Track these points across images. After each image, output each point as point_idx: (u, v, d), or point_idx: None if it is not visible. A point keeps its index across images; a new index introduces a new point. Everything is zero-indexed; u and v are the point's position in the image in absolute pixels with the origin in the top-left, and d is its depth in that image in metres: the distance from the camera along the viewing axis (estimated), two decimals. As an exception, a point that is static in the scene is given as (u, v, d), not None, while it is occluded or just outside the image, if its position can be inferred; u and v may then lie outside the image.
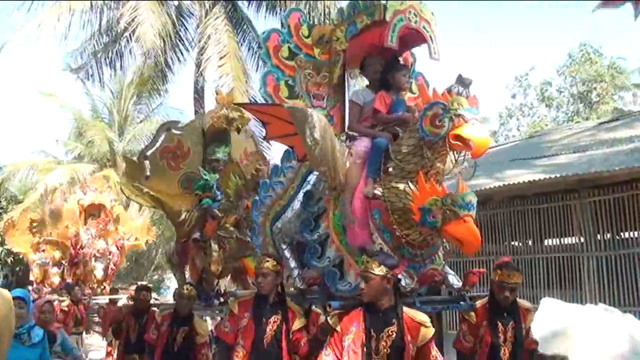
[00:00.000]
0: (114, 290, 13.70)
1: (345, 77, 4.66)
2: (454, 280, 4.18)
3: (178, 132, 6.97)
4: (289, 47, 4.55)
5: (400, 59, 4.67)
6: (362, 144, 4.20)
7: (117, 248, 13.81)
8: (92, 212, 14.04)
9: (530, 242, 11.88)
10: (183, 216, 6.94)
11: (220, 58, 13.54)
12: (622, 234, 10.97)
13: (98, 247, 13.19)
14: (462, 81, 3.90)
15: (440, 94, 3.88)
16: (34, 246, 14.24)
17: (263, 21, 15.68)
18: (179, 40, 15.46)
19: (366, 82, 4.68)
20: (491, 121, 31.17)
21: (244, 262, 6.56)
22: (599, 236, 10.78)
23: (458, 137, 3.70)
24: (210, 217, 6.49)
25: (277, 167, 5.11)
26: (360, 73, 4.72)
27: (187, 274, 7.45)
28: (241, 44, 14.79)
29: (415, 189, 3.82)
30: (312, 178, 4.69)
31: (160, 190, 6.94)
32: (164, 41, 13.87)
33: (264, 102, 4.63)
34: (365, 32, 4.35)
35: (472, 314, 4.23)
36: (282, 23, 4.65)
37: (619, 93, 27.85)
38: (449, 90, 3.88)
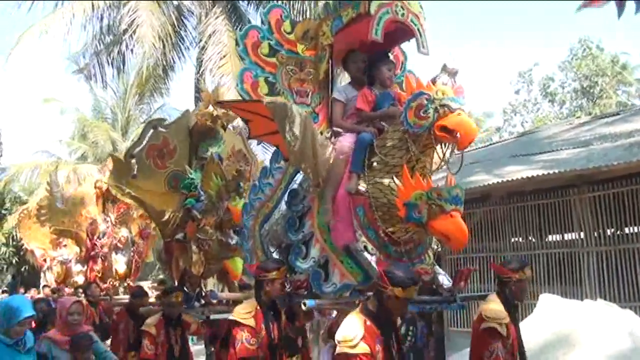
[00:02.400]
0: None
1: (332, 73, 4.46)
2: (444, 279, 3.98)
3: (164, 130, 6.78)
4: (269, 44, 4.34)
5: (391, 55, 4.48)
6: (347, 140, 4.02)
7: (142, 238, 11.08)
8: (112, 196, 10.92)
9: (530, 238, 11.72)
10: (167, 216, 6.75)
11: (221, 58, 13.38)
12: (622, 229, 10.79)
13: (120, 237, 10.60)
14: (447, 71, 3.71)
15: (424, 85, 3.69)
16: (53, 242, 12.43)
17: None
18: (180, 40, 15.30)
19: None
20: (495, 117, 30.91)
21: (226, 264, 6.37)
22: (599, 231, 10.63)
23: (444, 129, 3.51)
24: (190, 218, 6.32)
25: (266, 168, 4.88)
26: (342, 69, 4.53)
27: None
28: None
29: (400, 184, 3.63)
30: (299, 177, 4.51)
31: (147, 189, 6.74)
32: (164, 42, 13.74)
33: (242, 105, 4.43)
34: (351, 27, 4.16)
35: (504, 327, 3.89)
36: (262, 20, 4.45)
37: (623, 88, 27.53)
38: (434, 81, 3.69)
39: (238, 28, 14.92)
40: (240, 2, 15.69)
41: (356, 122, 4.20)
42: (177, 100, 64.50)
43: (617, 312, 7.97)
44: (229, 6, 14.80)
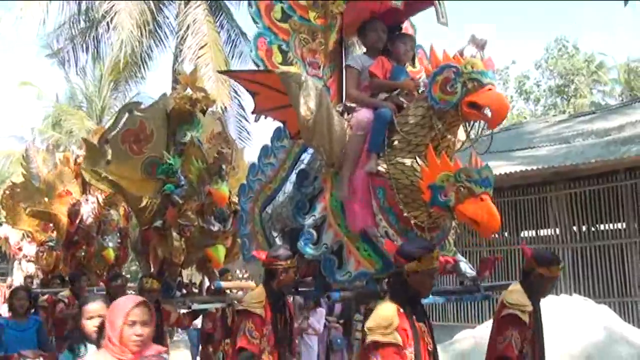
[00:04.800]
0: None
1: (342, 43, 3.99)
2: (467, 268, 3.56)
3: (141, 114, 6.17)
4: (282, 8, 3.83)
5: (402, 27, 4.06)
6: (365, 115, 3.55)
7: (128, 221, 9.35)
8: None
9: (506, 234, 11.55)
10: (144, 202, 6.22)
11: (200, 48, 12.85)
12: (597, 225, 10.70)
13: (109, 220, 8.96)
14: (475, 42, 3.28)
15: (451, 57, 3.24)
16: (41, 224, 10.78)
17: (244, 11, 15.05)
18: (158, 28, 14.70)
19: (364, 50, 4.03)
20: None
21: (208, 251, 5.84)
22: (574, 228, 10.54)
23: (473, 105, 3.08)
24: (170, 204, 5.80)
25: (267, 147, 4.43)
26: (358, 39, 4.06)
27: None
28: (219, 33, 14.10)
29: (424, 164, 3.19)
30: (306, 157, 4.03)
31: (122, 176, 6.14)
32: (142, 30, 13.11)
33: (250, 75, 3.93)
34: None
35: (527, 315, 3.49)
36: (272, -18, 3.94)
37: (598, 87, 27.70)
38: (461, 53, 3.24)
39: (218, 18, 14.43)
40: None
41: (371, 94, 3.74)
42: (153, 89, 62.98)
43: (592, 307, 7.86)
44: (209, -5, 14.26)
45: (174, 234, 5.76)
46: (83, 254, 8.96)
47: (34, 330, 5.28)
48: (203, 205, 5.74)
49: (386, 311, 2.76)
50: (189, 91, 6.21)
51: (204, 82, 6.43)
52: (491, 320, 7.61)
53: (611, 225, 10.46)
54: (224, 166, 5.69)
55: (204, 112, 6.37)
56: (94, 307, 3.16)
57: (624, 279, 9.76)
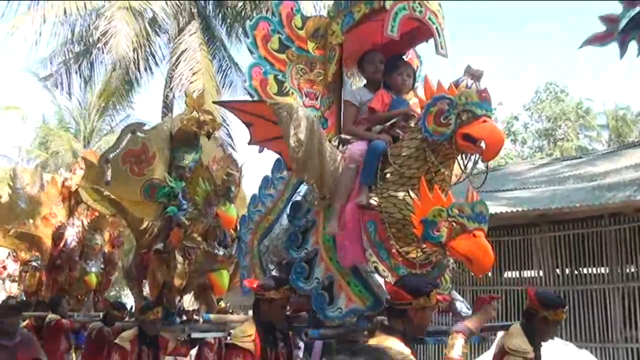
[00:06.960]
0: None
1: (342, 75, 3.91)
2: (463, 307, 3.47)
3: (143, 135, 6.00)
4: (279, 38, 3.76)
5: (405, 59, 4.00)
6: (358, 147, 3.48)
7: (112, 247, 9.17)
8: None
9: (489, 274, 11.46)
10: (145, 225, 6.02)
11: (193, 74, 12.85)
12: (580, 269, 10.68)
13: (93, 244, 8.58)
14: (471, 73, 3.22)
15: (446, 88, 3.16)
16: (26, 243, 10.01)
17: (236, 41, 15.21)
18: (152, 53, 14.69)
19: (364, 82, 3.98)
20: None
21: (211, 277, 5.60)
22: (558, 271, 10.51)
23: (467, 137, 2.99)
24: (175, 225, 5.57)
25: (268, 178, 4.31)
26: (357, 71, 4.02)
27: (146, 289, 6.56)
28: (212, 62, 14.16)
29: (417, 198, 3.08)
30: (303, 189, 3.93)
31: (121, 197, 5.96)
32: (136, 53, 13.12)
33: (243, 106, 3.84)
34: (363, 25, 3.67)
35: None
36: (272, 11, 3.86)
37: (585, 132, 28.01)
38: (457, 84, 3.17)
39: (211, 47, 14.50)
40: (214, 22, 15.26)
41: (367, 127, 3.68)
42: (141, 113, 62.87)
43: (573, 352, 7.73)
44: (203, 24, 14.32)
45: (178, 257, 5.52)
46: (65, 278, 8.69)
47: None
48: (208, 227, 5.54)
49: (399, 344, 2.65)
50: (195, 113, 6.08)
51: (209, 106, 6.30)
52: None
53: (594, 270, 10.44)
54: (232, 188, 5.50)
55: (209, 135, 6.24)
56: None
57: (606, 323, 9.69)
